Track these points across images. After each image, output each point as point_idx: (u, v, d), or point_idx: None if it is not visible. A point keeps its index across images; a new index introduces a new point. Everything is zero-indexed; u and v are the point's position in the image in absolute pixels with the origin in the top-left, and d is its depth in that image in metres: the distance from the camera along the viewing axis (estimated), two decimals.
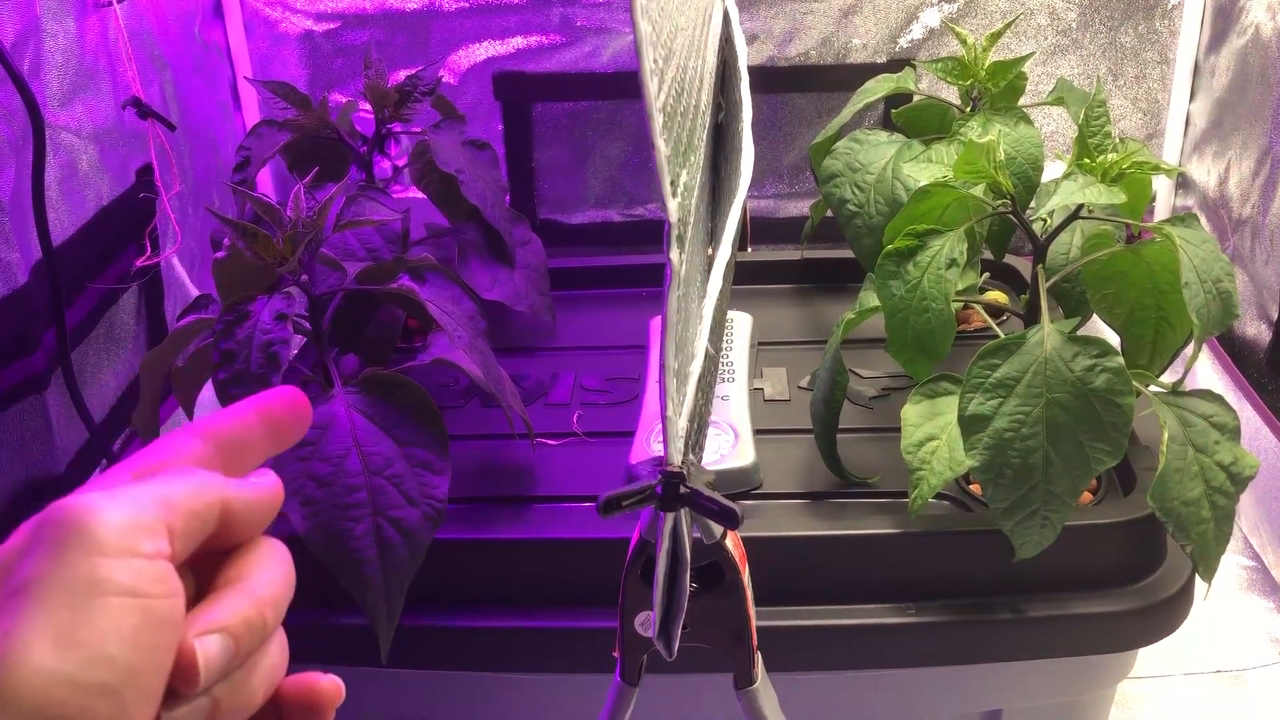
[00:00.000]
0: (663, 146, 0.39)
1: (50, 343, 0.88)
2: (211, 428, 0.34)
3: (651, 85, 0.38)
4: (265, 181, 1.37)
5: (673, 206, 0.40)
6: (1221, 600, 1.04)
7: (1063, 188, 0.67)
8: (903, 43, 1.30)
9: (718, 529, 0.52)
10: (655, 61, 0.40)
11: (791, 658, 0.70)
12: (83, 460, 0.95)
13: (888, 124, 1.05)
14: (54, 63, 0.93)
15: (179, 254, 1.12)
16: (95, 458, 0.96)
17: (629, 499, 0.45)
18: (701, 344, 0.47)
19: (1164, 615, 0.73)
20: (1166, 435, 0.67)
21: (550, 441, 0.86)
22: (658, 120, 0.39)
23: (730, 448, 0.81)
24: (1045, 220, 0.74)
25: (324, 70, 1.32)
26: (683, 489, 0.45)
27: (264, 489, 0.33)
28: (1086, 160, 0.69)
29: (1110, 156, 0.69)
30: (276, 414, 0.35)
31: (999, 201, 0.73)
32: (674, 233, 0.40)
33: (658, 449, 0.83)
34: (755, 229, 1.32)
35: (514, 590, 0.73)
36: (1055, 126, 1.32)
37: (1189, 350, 0.73)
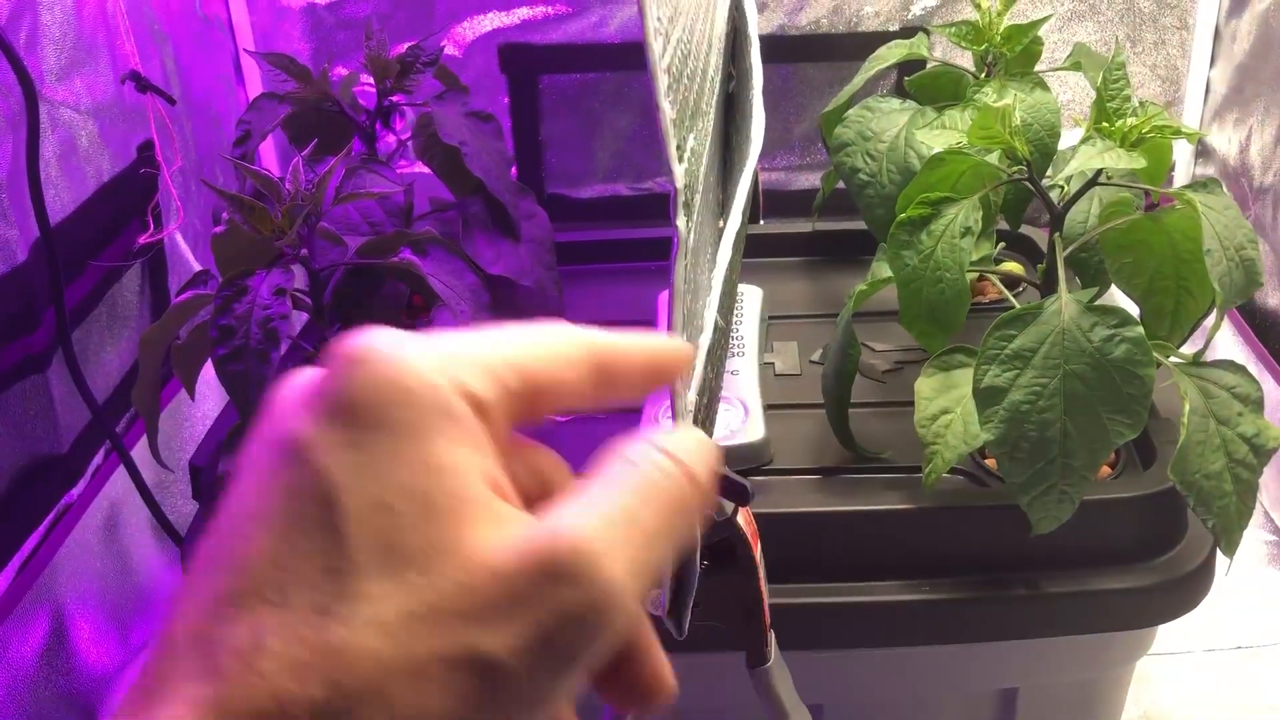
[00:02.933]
0: (668, 109, 0.37)
1: (52, 321, 0.87)
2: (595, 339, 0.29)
3: (656, 45, 0.37)
4: (270, 158, 1.36)
5: (679, 172, 0.38)
6: (1243, 575, 1.03)
7: (1080, 152, 0.65)
8: (916, 10, 1.27)
9: (729, 505, 0.51)
10: (659, 20, 0.38)
11: (803, 636, 0.69)
12: (86, 440, 0.94)
13: (901, 92, 1.03)
14: (51, 36, 0.91)
15: (182, 230, 1.10)
16: (99, 437, 0.95)
17: None
18: (711, 316, 0.46)
19: (1184, 591, 0.71)
20: (1188, 407, 0.65)
21: (556, 418, 0.84)
22: (662, 82, 0.37)
23: (740, 423, 0.79)
24: (1062, 187, 0.72)
25: (327, 43, 1.30)
26: None
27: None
28: (1105, 124, 0.67)
29: (1129, 120, 0.67)
30: (663, 354, 0.32)
31: (1014, 168, 0.72)
32: (680, 199, 0.38)
33: (666, 426, 0.81)
34: (767, 201, 1.30)
35: None
36: (1072, 95, 1.30)
37: (1210, 321, 0.71)
